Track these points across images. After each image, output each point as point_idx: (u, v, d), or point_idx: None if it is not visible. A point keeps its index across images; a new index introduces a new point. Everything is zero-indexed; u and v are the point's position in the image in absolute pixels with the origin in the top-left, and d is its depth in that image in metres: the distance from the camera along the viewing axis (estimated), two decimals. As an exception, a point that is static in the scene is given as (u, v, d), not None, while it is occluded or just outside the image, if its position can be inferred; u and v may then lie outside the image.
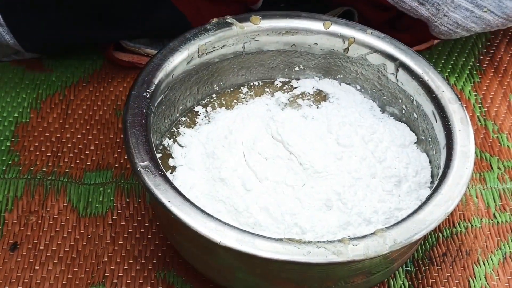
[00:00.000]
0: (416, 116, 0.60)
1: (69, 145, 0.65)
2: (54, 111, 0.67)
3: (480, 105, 0.70)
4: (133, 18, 0.67)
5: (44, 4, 0.65)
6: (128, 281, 0.56)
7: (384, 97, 0.62)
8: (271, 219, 0.53)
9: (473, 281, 0.57)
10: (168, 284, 0.56)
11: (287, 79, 0.65)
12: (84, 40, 0.69)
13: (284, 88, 0.65)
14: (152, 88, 0.55)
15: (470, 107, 0.70)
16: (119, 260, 0.57)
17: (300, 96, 0.64)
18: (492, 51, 0.75)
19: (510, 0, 0.65)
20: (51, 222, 0.59)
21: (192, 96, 0.62)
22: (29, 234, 0.58)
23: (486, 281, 0.57)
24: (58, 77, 0.70)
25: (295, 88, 0.65)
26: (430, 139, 0.58)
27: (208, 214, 0.49)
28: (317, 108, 0.62)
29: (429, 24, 0.68)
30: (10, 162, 0.63)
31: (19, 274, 0.56)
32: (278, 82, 0.65)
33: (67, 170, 0.63)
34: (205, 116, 0.62)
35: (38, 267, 0.57)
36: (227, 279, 0.53)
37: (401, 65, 0.60)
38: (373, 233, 0.49)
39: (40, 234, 0.59)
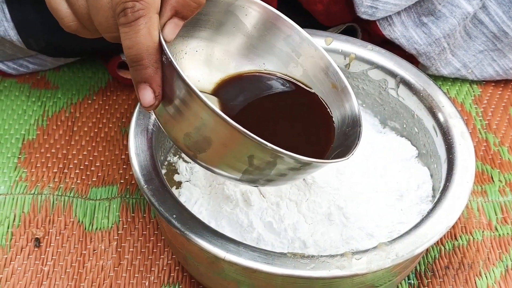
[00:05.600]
0: (417, 131, 0.60)
1: (75, 161, 0.65)
2: (60, 128, 0.68)
3: (481, 118, 0.70)
4: None
5: None
6: (134, 296, 0.57)
7: (385, 112, 0.63)
8: (275, 234, 0.54)
9: (475, 293, 0.58)
10: (173, 298, 0.57)
11: (290, 95, 0.66)
12: (86, 46, 0.68)
13: (287, 103, 0.65)
14: (157, 105, 0.56)
15: (471, 120, 0.70)
16: (125, 275, 0.58)
17: (303, 111, 0.64)
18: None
19: (491, 67, 0.72)
20: (58, 237, 0.60)
21: (196, 112, 0.62)
22: (36, 249, 0.59)
23: (488, 294, 0.58)
24: (64, 94, 0.71)
25: (298, 103, 0.65)
26: (431, 153, 0.59)
27: (212, 230, 0.49)
28: (319, 123, 0.63)
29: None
30: (17, 179, 0.64)
31: (27, 289, 0.57)
32: (281, 98, 0.66)
33: (73, 186, 0.63)
34: (209, 132, 0.62)
35: (45, 282, 0.57)
36: (231, 293, 0.54)
37: (402, 81, 0.60)
38: (375, 247, 0.49)
39: (47, 249, 0.59)
